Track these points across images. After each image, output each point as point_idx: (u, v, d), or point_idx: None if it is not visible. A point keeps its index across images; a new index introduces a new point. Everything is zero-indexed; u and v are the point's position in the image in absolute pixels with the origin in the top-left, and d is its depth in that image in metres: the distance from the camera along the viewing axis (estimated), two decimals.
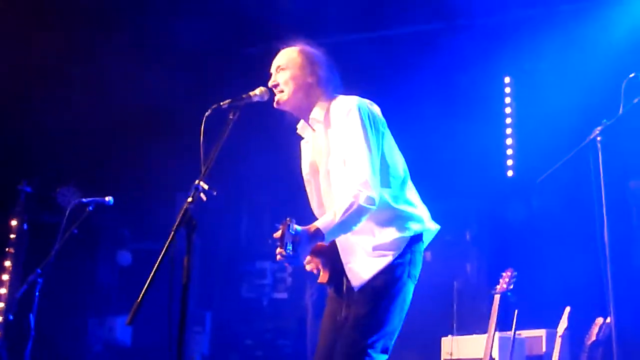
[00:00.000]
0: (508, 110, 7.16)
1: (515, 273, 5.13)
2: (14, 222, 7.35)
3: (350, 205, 3.00)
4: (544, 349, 5.57)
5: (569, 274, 6.24)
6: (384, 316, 3.12)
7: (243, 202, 8.45)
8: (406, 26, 7.17)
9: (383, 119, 3.31)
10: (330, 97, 3.31)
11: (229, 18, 6.75)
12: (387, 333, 3.14)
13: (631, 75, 4.64)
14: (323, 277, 3.30)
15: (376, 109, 3.30)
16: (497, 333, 5.15)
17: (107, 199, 5.17)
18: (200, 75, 7.16)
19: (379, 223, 3.18)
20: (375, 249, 3.17)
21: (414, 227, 3.22)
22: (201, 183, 2.78)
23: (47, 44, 6.56)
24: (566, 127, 6.00)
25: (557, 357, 5.13)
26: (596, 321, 5.20)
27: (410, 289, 3.24)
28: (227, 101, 3.07)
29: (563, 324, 5.20)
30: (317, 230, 2.98)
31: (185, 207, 2.71)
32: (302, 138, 3.50)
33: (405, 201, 3.26)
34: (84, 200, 5.22)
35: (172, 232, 2.65)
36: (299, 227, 2.94)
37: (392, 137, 3.35)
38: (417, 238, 3.26)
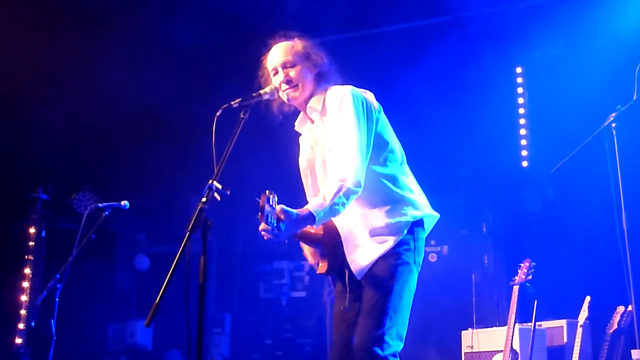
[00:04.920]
0: (520, 100, 7.12)
1: (534, 263, 5.09)
2: (31, 230, 7.39)
3: (339, 189, 2.98)
4: (565, 339, 5.53)
5: (587, 263, 6.19)
6: (396, 302, 3.08)
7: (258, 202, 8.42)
8: (414, 21, 7.13)
9: (379, 106, 3.30)
10: (327, 87, 3.30)
11: (228, 19, 6.74)
12: (401, 319, 3.11)
13: None
14: (322, 267, 3.29)
15: (370, 96, 3.28)
16: (517, 324, 5.12)
17: (122, 203, 5.17)
18: (215, 78, 7.15)
19: (376, 205, 3.17)
20: (374, 233, 3.14)
21: (413, 213, 3.18)
22: (214, 183, 2.78)
23: (52, 48, 6.56)
24: (580, 114, 5.94)
25: (578, 347, 5.09)
26: (617, 309, 5.15)
27: (415, 276, 3.21)
28: (237, 100, 3.06)
29: (584, 313, 5.16)
30: (309, 213, 2.94)
31: (199, 207, 2.70)
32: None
33: (402, 185, 3.23)
34: (100, 205, 5.22)
35: (187, 233, 2.64)
36: (293, 210, 2.90)
37: (389, 125, 3.33)
38: (418, 224, 3.22)
